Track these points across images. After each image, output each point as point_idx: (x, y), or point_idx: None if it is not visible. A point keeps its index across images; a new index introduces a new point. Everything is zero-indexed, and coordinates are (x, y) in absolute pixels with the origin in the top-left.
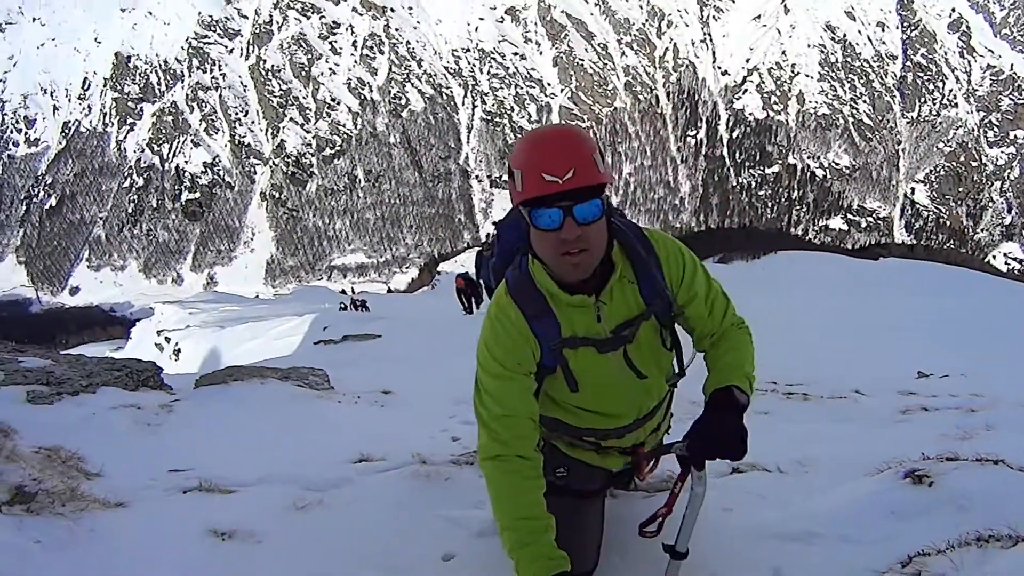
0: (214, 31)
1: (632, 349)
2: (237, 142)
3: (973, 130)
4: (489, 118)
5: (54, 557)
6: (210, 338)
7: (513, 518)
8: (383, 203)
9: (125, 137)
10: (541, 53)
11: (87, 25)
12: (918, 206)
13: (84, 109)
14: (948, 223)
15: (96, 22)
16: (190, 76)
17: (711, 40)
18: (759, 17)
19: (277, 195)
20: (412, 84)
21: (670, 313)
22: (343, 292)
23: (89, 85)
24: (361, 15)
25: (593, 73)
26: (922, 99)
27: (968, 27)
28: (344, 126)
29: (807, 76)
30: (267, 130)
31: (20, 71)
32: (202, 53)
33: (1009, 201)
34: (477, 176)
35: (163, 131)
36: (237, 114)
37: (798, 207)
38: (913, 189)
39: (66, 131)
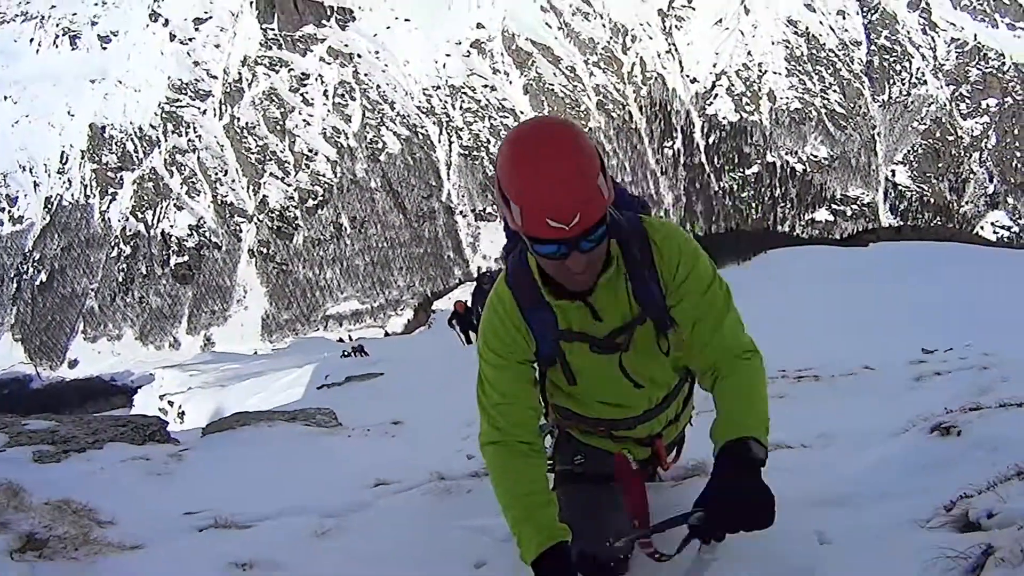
0: (185, 94)
1: (628, 357)
2: (220, 202)
3: (945, 105)
4: (467, 152)
5: None
6: (213, 398)
7: (513, 495)
8: (371, 248)
9: (108, 207)
10: (511, 82)
11: (59, 99)
12: (900, 187)
13: (65, 183)
14: (932, 200)
15: (67, 95)
16: (166, 141)
17: (676, 50)
18: (720, 21)
19: (265, 251)
20: (387, 127)
21: (666, 317)
22: (340, 341)
23: (67, 159)
24: (329, 64)
25: (564, 96)
26: (891, 81)
27: (928, 3)
28: (324, 176)
29: (775, 73)
30: (248, 187)
31: None
32: (176, 117)
33: (989, 170)
34: (461, 212)
35: (145, 198)
36: (217, 174)
37: (782, 204)
38: (894, 171)
39: (49, 206)
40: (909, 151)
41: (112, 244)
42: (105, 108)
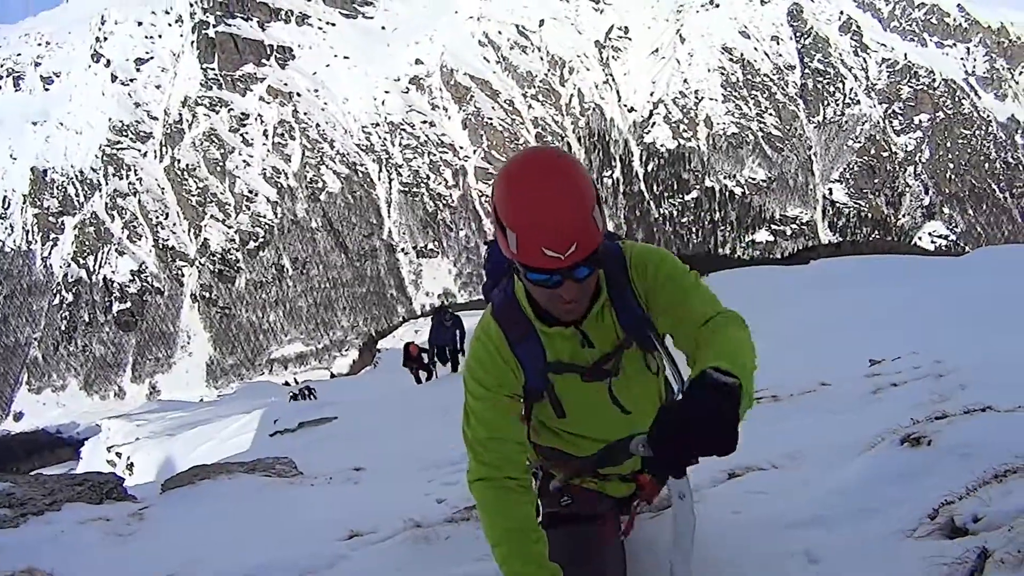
0: (126, 136)
1: (617, 384)
2: (161, 246)
3: (878, 122)
4: (407, 189)
5: None
6: (161, 448)
7: (503, 530)
8: (313, 289)
9: (50, 253)
10: (449, 118)
11: (2, 142)
12: (838, 205)
13: (7, 228)
14: (870, 215)
15: (10, 138)
16: (107, 184)
17: (614, 80)
18: (657, 50)
19: (207, 295)
20: (327, 166)
21: (649, 333)
22: (287, 384)
23: (9, 203)
24: (269, 103)
25: (503, 130)
26: (825, 102)
27: (858, 26)
28: (264, 217)
29: (711, 100)
30: (189, 230)
31: None
32: (116, 159)
33: (925, 183)
34: (403, 249)
35: (86, 243)
36: (158, 217)
37: (722, 227)
38: (831, 189)
39: None
40: (845, 169)
41: (54, 291)
42: (47, 151)
